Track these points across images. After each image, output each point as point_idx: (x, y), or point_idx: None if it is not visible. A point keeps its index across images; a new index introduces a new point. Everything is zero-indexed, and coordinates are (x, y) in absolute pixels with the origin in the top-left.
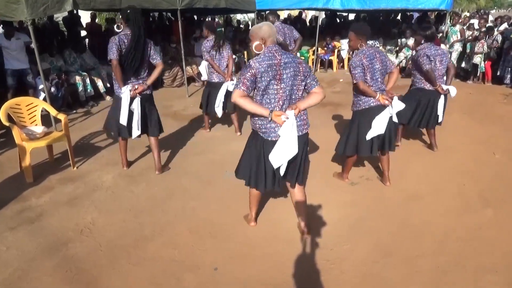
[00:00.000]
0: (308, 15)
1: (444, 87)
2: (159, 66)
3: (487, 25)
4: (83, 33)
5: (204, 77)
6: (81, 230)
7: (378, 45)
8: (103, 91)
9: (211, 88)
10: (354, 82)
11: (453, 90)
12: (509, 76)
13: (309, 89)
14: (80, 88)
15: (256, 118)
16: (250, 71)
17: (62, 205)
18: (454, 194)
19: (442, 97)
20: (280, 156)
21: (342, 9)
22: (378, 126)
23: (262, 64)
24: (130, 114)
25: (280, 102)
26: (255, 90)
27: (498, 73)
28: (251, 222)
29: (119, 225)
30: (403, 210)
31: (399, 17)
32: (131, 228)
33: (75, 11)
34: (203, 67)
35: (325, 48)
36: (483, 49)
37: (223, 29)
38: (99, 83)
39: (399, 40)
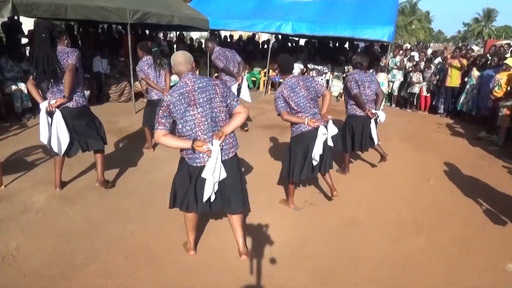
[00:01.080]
0: (262, 37)
1: (374, 111)
2: (67, 77)
3: (425, 57)
4: (25, 40)
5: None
6: (3, 257)
7: (326, 71)
8: None
9: (152, 107)
10: (277, 113)
11: (382, 115)
12: (442, 106)
13: (231, 110)
14: (16, 99)
15: None
16: (163, 106)
17: None
18: (390, 220)
19: (372, 121)
20: (209, 184)
21: (293, 33)
22: (317, 148)
23: (173, 95)
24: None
25: (202, 126)
26: (175, 121)
27: (433, 103)
28: (190, 251)
29: (47, 252)
30: (341, 236)
31: (347, 45)
32: (60, 255)
33: (15, 17)
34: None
35: (277, 70)
36: (420, 80)
37: (157, 48)
38: None
39: (345, 67)
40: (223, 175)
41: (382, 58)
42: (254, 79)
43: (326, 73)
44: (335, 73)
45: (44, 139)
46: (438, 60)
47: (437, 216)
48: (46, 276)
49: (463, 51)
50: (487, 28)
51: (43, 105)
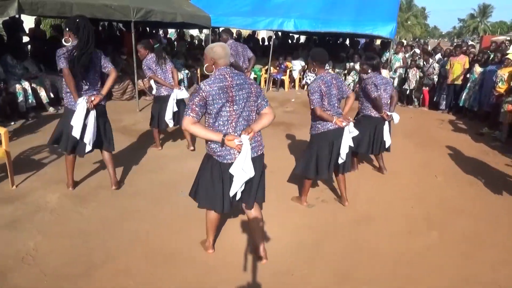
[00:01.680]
0: (260, 33)
1: (388, 113)
2: (113, 73)
3: (427, 51)
4: (26, 39)
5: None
6: (22, 257)
7: (328, 68)
8: (46, 101)
9: (161, 103)
10: (312, 107)
11: (396, 117)
12: (444, 102)
13: (259, 109)
14: (21, 97)
15: (210, 142)
16: (200, 94)
17: None
18: (401, 216)
19: (387, 123)
20: (238, 180)
21: (295, 30)
22: (344, 147)
23: (213, 86)
24: (83, 128)
25: (233, 124)
26: (207, 113)
27: (435, 99)
28: (209, 249)
29: (66, 251)
30: (355, 233)
31: (347, 42)
32: (79, 254)
33: (17, 16)
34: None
35: (278, 68)
36: (417, 76)
37: (158, 44)
38: (42, 93)
39: (347, 64)
40: (252, 173)
41: (384, 54)
42: (255, 76)
43: (334, 74)
44: (336, 70)
45: (77, 134)
46: (438, 56)
47: (448, 211)
48: (67, 275)
49: (464, 48)
50: (482, 24)
51: (82, 101)
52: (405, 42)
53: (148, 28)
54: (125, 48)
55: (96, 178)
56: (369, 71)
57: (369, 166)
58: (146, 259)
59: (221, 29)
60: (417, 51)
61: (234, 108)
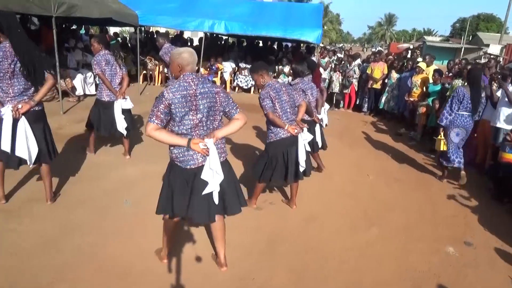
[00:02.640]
0: (185, 34)
1: (319, 116)
2: (50, 80)
3: (352, 54)
4: None
5: (79, 91)
6: None
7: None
8: None
9: (102, 108)
10: (265, 112)
11: (325, 119)
12: (366, 105)
13: (229, 117)
14: None
15: (173, 148)
16: (164, 102)
17: None
18: (342, 214)
19: (318, 125)
20: (212, 183)
21: (226, 33)
22: (301, 154)
23: (176, 94)
24: (13, 139)
25: (198, 132)
26: (171, 120)
27: (358, 102)
28: (164, 259)
29: (5, 273)
30: (304, 232)
31: (275, 46)
32: (22, 275)
33: None
34: (78, 81)
35: (209, 69)
36: (340, 79)
37: (115, 41)
38: None
39: (276, 67)
40: (222, 175)
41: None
42: None
43: (284, 83)
44: None
45: (6, 147)
46: (358, 61)
47: (381, 207)
48: None
49: (383, 54)
50: (388, 32)
51: (7, 109)
52: (328, 47)
53: (64, 25)
54: (43, 45)
55: (26, 189)
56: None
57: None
58: (97, 274)
59: (156, 35)
60: (339, 55)
61: (198, 117)
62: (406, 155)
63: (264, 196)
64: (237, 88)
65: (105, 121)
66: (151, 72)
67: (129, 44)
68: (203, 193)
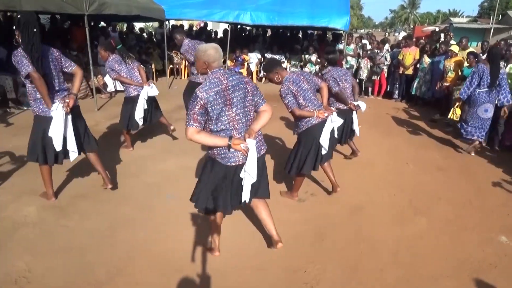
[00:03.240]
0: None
1: (355, 103)
2: (79, 72)
3: (380, 39)
4: None
5: (111, 88)
6: (15, 280)
7: (283, 60)
8: None
9: (132, 103)
10: (289, 110)
11: (362, 105)
12: (397, 91)
13: (257, 107)
14: None
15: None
16: (199, 103)
17: None
18: (388, 204)
19: (354, 113)
20: (246, 184)
21: (252, 24)
22: (325, 137)
23: (210, 92)
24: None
25: (236, 126)
26: (208, 120)
27: (388, 89)
28: (215, 252)
29: (63, 269)
30: (351, 223)
31: (300, 35)
32: (79, 271)
33: None
34: (109, 78)
35: (235, 61)
36: (368, 66)
37: (121, 45)
38: None
39: (302, 56)
40: (255, 178)
41: (337, 46)
42: None
43: (283, 62)
44: (292, 62)
45: (59, 146)
46: (387, 46)
47: (426, 197)
48: None
49: (414, 39)
50: (412, 15)
51: (59, 106)
52: (356, 34)
53: (92, 23)
54: (75, 43)
55: (72, 186)
56: (325, 64)
57: (340, 158)
58: (153, 269)
59: (174, 32)
60: (365, 42)
61: (233, 111)
62: (444, 142)
63: (304, 186)
64: (263, 79)
65: (132, 115)
66: (177, 66)
67: (154, 39)
68: (243, 192)
